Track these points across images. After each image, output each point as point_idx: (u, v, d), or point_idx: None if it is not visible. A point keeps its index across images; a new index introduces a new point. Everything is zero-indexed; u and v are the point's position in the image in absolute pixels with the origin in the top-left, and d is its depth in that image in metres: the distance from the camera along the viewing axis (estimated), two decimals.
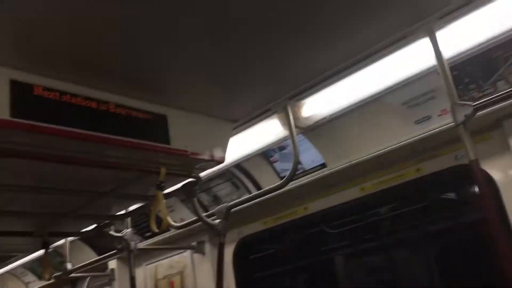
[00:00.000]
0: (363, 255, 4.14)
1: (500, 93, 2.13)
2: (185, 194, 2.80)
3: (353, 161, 2.90)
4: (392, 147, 2.72)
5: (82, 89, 2.10)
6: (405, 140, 2.67)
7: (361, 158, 2.86)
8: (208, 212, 3.21)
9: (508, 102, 2.21)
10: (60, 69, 2.00)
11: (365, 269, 4.10)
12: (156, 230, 2.48)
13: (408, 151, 2.76)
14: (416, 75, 2.47)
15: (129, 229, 3.56)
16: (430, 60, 2.28)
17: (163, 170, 2.41)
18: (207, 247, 3.95)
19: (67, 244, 4.23)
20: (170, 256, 4.23)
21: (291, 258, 4.37)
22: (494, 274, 2.07)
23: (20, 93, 1.91)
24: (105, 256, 4.29)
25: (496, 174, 2.53)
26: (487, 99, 2.11)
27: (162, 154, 2.38)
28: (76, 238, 4.25)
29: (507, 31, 2.18)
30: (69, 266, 4.16)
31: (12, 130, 1.86)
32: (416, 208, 3.58)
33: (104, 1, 1.66)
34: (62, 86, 2.03)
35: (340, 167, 2.97)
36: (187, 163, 2.58)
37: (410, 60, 2.43)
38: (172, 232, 3.91)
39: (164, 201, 2.49)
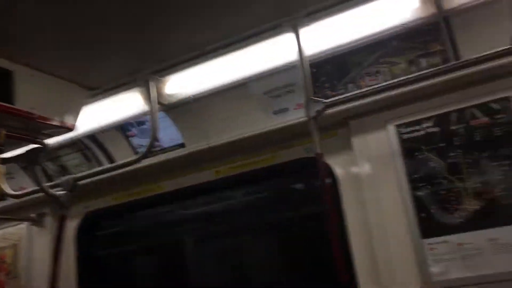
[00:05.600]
0: (214, 237, 4.22)
1: (349, 94, 2.31)
2: (28, 161, 2.56)
3: (211, 144, 2.92)
4: (249, 134, 2.80)
5: None
6: (262, 129, 2.77)
7: (219, 142, 2.89)
8: (52, 183, 2.97)
9: (354, 103, 2.43)
10: None
11: (214, 252, 4.18)
12: None
13: (264, 139, 2.86)
14: (280, 67, 2.57)
15: None
16: (293, 55, 2.39)
17: (2, 132, 2.17)
18: (49, 220, 3.66)
19: None
20: (5, 227, 3.84)
21: (141, 237, 4.27)
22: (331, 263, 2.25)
23: None
24: None
25: (337, 169, 2.75)
26: (336, 98, 2.27)
27: (3, 114, 2.14)
28: None
29: (362, 38, 2.37)
30: None
31: None
32: (266, 195, 3.75)
33: None
34: None
35: (197, 148, 2.97)
36: (33, 127, 2.35)
37: (277, 51, 2.52)
38: (11, 201, 3.55)
39: (3, 166, 2.25)
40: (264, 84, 2.69)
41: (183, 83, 2.71)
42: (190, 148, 3.00)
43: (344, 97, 2.20)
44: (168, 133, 3.02)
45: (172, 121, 2.97)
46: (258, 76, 2.63)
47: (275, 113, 2.76)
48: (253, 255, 3.97)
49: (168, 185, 3.32)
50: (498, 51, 1.86)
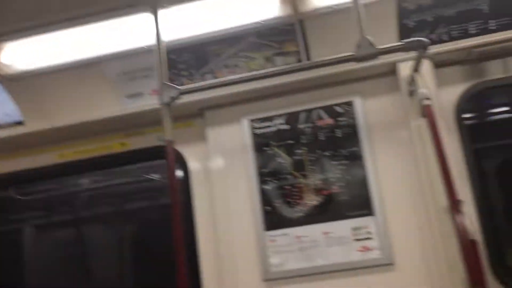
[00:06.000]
0: (57, 226, 3.91)
1: (204, 83, 2.28)
2: None
3: (55, 124, 2.66)
4: (99, 116, 2.61)
5: None
6: (113, 112, 2.60)
7: (65, 123, 2.65)
8: None
9: (210, 94, 2.42)
10: None
11: (57, 241, 3.88)
12: None
13: (114, 124, 2.70)
14: (136, 49, 2.45)
15: None
16: (152, 37, 2.28)
17: None
18: None
19: None
20: None
21: None
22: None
23: None
24: None
25: (191, 160, 2.70)
26: (192, 86, 2.23)
27: None
28: None
29: (222, 30, 2.36)
30: None
31: None
32: (116, 183, 3.58)
33: None
34: None
35: (39, 128, 2.68)
36: None
37: (134, 32, 2.39)
38: None
39: None
40: (118, 65, 2.53)
41: (24, 54, 2.42)
42: (30, 127, 2.70)
43: (199, 86, 2.16)
44: (4, 108, 2.68)
45: (9, 95, 2.63)
46: (112, 55, 2.47)
47: (129, 97, 2.62)
48: (99, 246, 3.77)
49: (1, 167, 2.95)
50: (343, 57, 1.98)
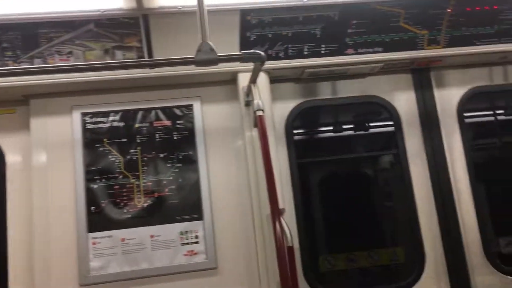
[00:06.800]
0: None
1: (28, 67, 2.06)
2: None
3: None
4: None
5: None
6: None
7: None
8: None
9: (37, 81, 2.19)
10: None
11: None
12: None
13: None
14: None
15: None
16: None
17: None
18: None
19: None
20: None
21: None
22: None
23: None
24: None
25: (9, 150, 2.42)
26: (12, 68, 1.99)
27: None
28: None
29: (57, 12, 2.17)
30: None
31: None
32: None
33: None
34: None
35: None
36: None
37: None
38: None
39: None
40: None
41: None
42: None
43: (20, 69, 1.93)
44: None
45: None
46: None
47: None
48: None
49: None
50: (182, 58, 1.94)
